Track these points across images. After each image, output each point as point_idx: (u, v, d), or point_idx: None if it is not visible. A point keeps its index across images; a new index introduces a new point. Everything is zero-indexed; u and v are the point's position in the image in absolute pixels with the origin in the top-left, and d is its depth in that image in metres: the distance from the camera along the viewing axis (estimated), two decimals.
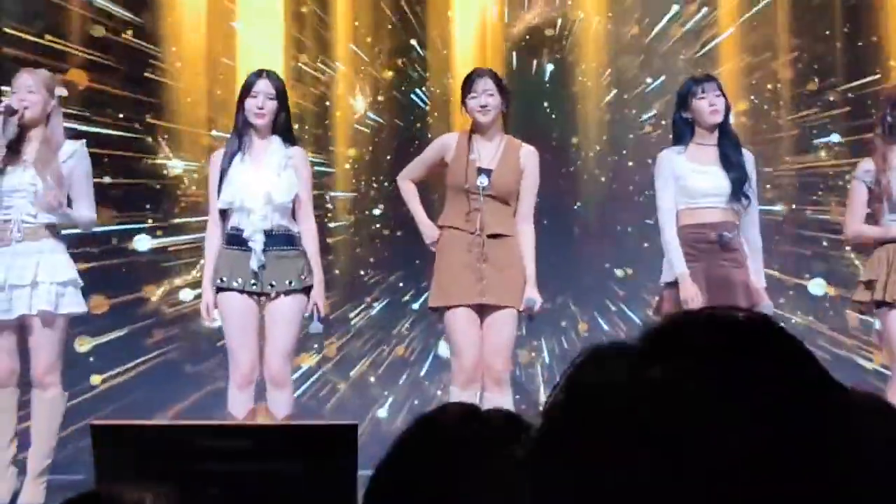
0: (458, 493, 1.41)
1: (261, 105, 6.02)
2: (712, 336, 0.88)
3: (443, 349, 7.69)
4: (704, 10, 8.17)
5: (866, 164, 6.26)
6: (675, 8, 8.15)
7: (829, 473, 0.85)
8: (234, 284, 5.98)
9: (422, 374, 8.00)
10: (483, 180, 6.06)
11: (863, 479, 0.87)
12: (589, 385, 0.90)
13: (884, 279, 6.11)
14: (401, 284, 8.11)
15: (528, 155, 6.21)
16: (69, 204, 6.08)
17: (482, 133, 6.17)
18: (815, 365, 0.90)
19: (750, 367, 0.86)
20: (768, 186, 7.76)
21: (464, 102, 6.20)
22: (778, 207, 7.98)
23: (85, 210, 6.11)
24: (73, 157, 6.10)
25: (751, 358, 0.87)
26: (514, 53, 8.22)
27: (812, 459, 0.84)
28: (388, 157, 8.12)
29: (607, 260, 8.10)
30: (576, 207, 8.19)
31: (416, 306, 7.95)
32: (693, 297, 5.95)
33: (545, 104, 8.21)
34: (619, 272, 8.08)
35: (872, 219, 6.26)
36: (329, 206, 8.13)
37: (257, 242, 5.96)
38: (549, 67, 8.22)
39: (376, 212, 8.21)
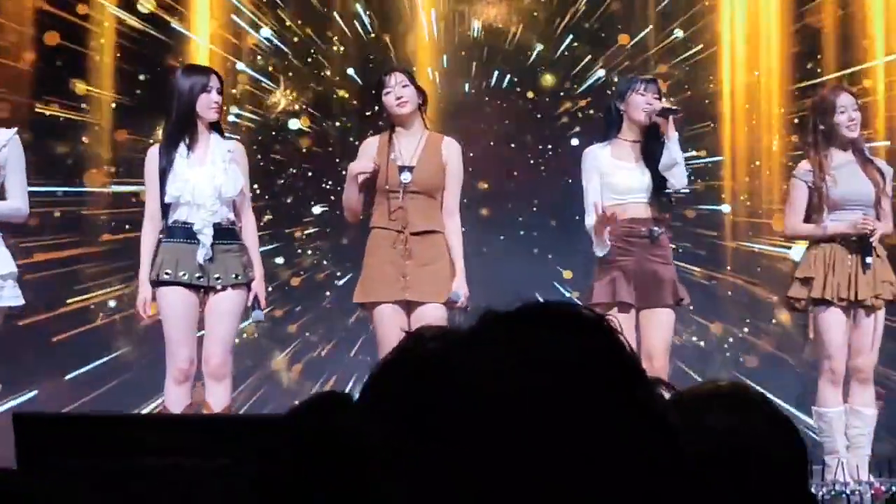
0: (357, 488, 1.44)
1: (217, 100, 6.04)
2: (529, 324, 0.94)
3: None
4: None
5: (806, 165, 6.36)
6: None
7: (629, 458, 0.90)
8: (180, 277, 5.98)
9: None
10: (406, 177, 6.08)
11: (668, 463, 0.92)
12: (404, 363, 0.95)
13: (822, 277, 6.20)
14: None
15: (450, 147, 6.23)
16: (2, 194, 6.07)
17: (402, 129, 6.18)
18: (620, 350, 0.95)
19: (557, 353, 0.92)
20: None
21: (380, 101, 6.20)
22: None
23: (17, 201, 6.08)
24: (7, 146, 6.06)
25: (560, 345, 0.92)
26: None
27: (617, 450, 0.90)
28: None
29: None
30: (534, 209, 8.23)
31: None
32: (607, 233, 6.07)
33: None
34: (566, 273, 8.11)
35: (808, 217, 6.35)
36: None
37: (206, 236, 5.97)
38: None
39: None
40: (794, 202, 6.37)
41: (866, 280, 6.18)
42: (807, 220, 6.38)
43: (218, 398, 6.02)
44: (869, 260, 6.16)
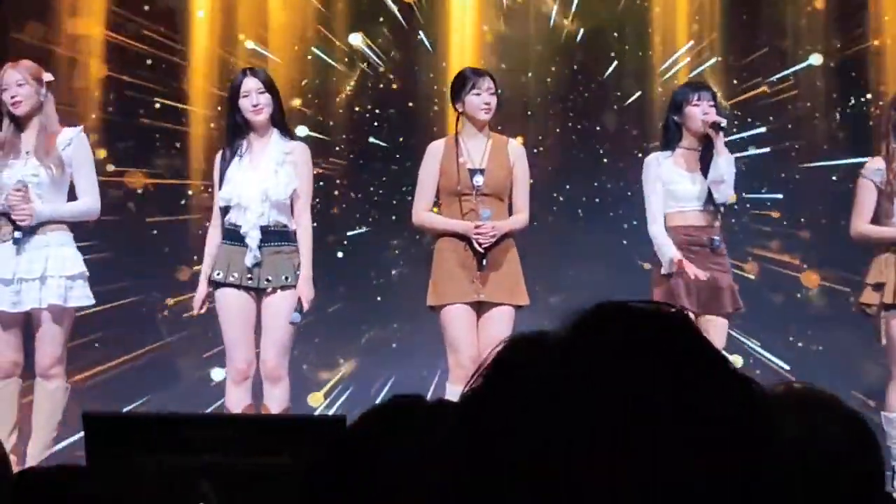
0: (395, 484, 1.46)
1: (255, 102, 6.11)
2: (627, 329, 0.92)
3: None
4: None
5: (876, 163, 6.24)
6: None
7: (733, 463, 0.90)
8: (231, 279, 6.08)
9: None
10: (478, 179, 6.13)
11: (769, 469, 0.92)
12: (506, 372, 0.92)
13: (893, 282, 6.11)
14: None
15: (516, 150, 6.30)
16: (71, 191, 6.15)
17: (473, 132, 6.22)
18: (722, 360, 0.94)
19: (659, 359, 0.90)
20: None
21: (460, 99, 6.17)
22: None
23: (88, 199, 6.16)
24: (72, 143, 6.13)
25: (661, 350, 0.91)
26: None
27: (721, 451, 0.90)
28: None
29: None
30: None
31: None
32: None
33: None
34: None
35: (876, 218, 6.24)
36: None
37: (253, 239, 6.04)
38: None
39: None
40: (862, 202, 6.23)
41: None
42: (875, 223, 6.23)
43: (276, 401, 6.07)
44: None
